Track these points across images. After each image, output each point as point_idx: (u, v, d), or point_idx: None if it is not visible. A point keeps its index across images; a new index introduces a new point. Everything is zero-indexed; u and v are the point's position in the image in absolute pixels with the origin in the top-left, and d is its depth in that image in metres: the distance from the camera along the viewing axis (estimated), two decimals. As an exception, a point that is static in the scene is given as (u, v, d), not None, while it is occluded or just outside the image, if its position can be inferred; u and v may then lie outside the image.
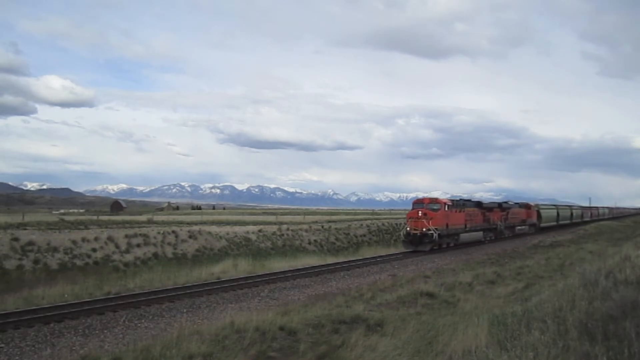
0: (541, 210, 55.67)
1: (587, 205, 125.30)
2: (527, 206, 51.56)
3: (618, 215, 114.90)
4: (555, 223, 60.45)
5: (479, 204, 37.90)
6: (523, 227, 47.33)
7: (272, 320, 9.19)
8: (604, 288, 8.47)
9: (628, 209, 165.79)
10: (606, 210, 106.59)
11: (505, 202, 46.04)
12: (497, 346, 6.63)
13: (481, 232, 36.96)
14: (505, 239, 42.31)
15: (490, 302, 12.61)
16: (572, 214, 70.76)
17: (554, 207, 66.25)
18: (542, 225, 54.62)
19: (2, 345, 10.77)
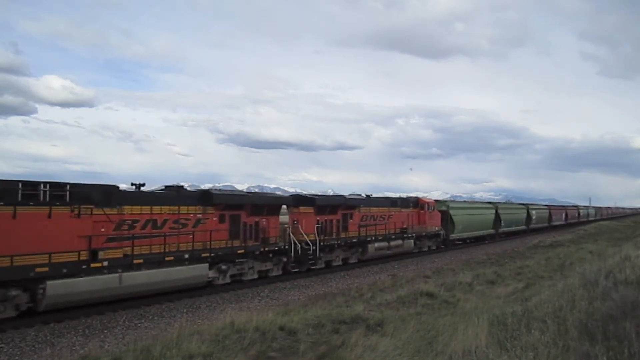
0: (453, 211, 34.83)
1: (588, 204, 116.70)
2: (416, 203, 30.46)
3: (609, 216, 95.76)
4: (492, 231, 41.50)
5: (206, 197, 16.97)
6: (399, 241, 27.15)
7: (272, 320, 9.17)
8: (604, 288, 8.49)
9: (624, 209, 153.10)
10: (592, 211, 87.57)
11: (340, 196, 24.65)
12: (497, 346, 6.63)
13: (205, 266, 16.35)
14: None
15: (490, 302, 12.61)
16: (529, 216, 51.30)
17: (489, 205, 44.84)
18: (456, 236, 35.23)
19: (2, 345, 10.77)
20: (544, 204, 72.15)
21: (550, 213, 59.40)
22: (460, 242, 37.37)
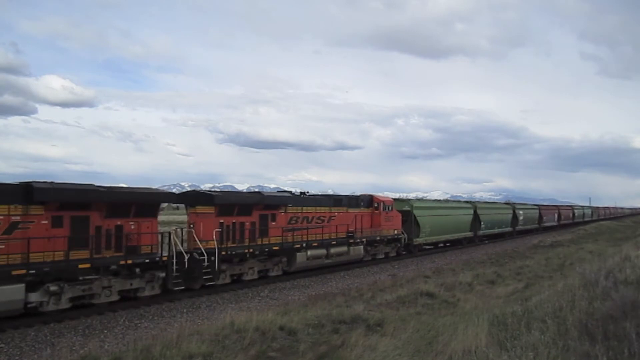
0: (418, 211, 30.52)
1: (589, 204, 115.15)
2: (369, 202, 26.24)
3: (607, 217, 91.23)
4: (469, 234, 37.67)
5: (27, 192, 12.60)
6: (342, 248, 23.11)
7: (272, 320, 9.18)
8: (604, 288, 8.49)
9: (623, 209, 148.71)
10: (588, 211, 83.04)
11: (255, 193, 21.24)
12: (497, 346, 6.63)
13: (18, 287, 11.94)
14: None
15: (490, 302, 12.62)
16: (515, 217, 46.67)
17: (466, 205, 40.27)
18: (422, 240, 30.81)
19: (2, 345, 10.79)
20: (534, 203, 65.54)
21: (540, 213, 55.12)
22: (430, 247, 33.04)
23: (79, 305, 13.51)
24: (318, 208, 22.38)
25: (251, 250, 18.41)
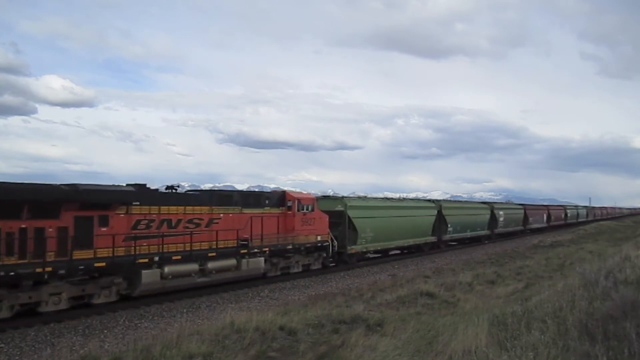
0: (354, 212, 24.45)
1: (588, 204, 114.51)
2: (280, 201, 20.31)
3: (604, 217, 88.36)
4: (431, 239, 31.92)
5: None
6: (229, 261, 17.36)
7: (272, 320, 9.18)
8: (604, 288, 8.49)
9: (621, 209, 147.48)
10: (582, 211, 79.34)
11: (69, 185, 13.73)
12: (497, 346, 6.63)
13: None
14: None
15: (490, 302, 12.62)
16: (494, 218, 41.63)
17: (428, 204, 33.87)
18: (360, 247, 24.82)
19: (2, 345, 10.79)
20: (521, 202, 59.51)
21: (525, 214, 50.16)
22: (378, 255, 27.71)
23: None
24: (189, 207, 16.47)
25: (51, 269, 12.50)
